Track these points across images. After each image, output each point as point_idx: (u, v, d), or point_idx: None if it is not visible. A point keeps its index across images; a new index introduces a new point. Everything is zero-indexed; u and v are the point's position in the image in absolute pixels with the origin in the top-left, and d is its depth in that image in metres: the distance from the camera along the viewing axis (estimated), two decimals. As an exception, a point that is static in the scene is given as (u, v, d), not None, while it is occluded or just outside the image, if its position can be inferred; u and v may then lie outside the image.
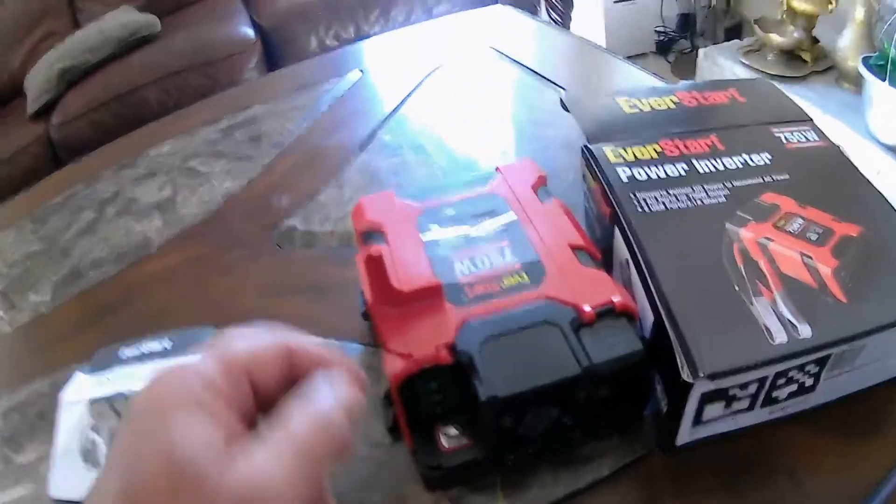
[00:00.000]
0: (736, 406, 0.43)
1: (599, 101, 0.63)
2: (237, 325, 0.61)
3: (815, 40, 2.42)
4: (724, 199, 0.51)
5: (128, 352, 0.56)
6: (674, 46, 3.11)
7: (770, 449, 0.46)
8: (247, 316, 0.61)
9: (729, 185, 0.52)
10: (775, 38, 2.37)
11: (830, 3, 2.28)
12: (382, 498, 0.47)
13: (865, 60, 2.06)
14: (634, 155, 0.55)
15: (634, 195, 0.51)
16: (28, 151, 2.28)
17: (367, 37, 2.42)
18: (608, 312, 0.43)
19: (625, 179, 0.53)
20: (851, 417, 0.47)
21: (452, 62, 1.02)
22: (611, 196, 0.51)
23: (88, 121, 2.24)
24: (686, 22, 3.09)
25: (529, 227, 0.50)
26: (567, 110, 0.61)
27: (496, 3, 2.60)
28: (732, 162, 0.54)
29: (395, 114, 0.91)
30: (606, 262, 0.52)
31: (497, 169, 0.58)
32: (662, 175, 0.53)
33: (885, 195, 0.53)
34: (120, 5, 2.59)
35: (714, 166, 0.54)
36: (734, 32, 2.97)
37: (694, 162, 0.54)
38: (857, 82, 2.14)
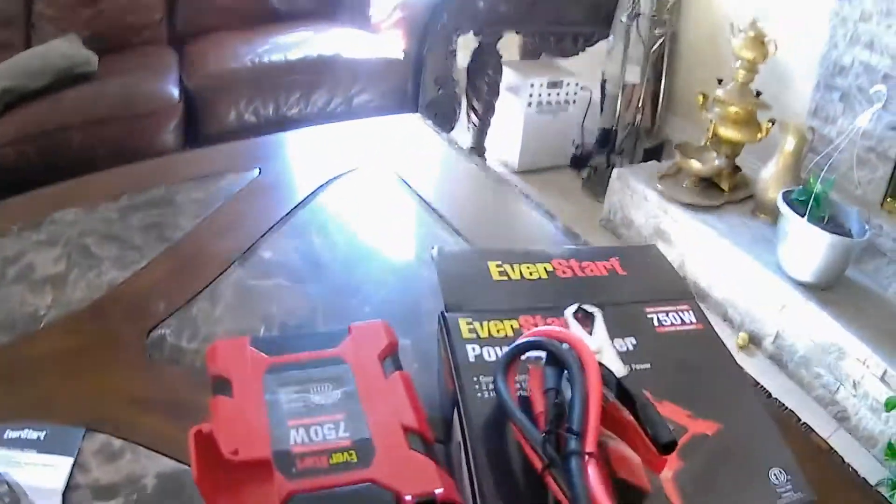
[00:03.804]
0: None
1: (469, 263, 0.64)
2: (105, 431, 0.62)
3: (737, 169, 2.46)
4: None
5: (11, 433, 0.59)
6: (591, 161, 3.01)
7: None
8: (113, 424, 0.63)
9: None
10: (694, 164, 2.39)
11: (760, 132, 2.32)
12: None
13: (786, 195, 2.09)
14: (489, 331, 0.55)
15: (478, 379, 0.51)
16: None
17: (286, 117, 2.46)
18: (429, 503, 0.44)
19: (471, 359, 0.53)
20: None
21: (350, 177, 1.04)
22: (454, 376, 0.52)
23: (15, 150, 2.20)
24: (606, 137, 3.04)
25: (367, 402, 0.51)
26: None
27: (412, 102, 2.67)
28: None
29: (278, 227, 0.92)
30: (450, 436, 0.53)
31: (349, 329, 0.58)
32: (512, 358, 0.53)
33: (754, 386, 0.54)
34: (69, 30, 2.59)
35: (571, 351, 0.54)
36: (655, 153, 2.99)
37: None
38: (775, 214, 2.17)
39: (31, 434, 0.60)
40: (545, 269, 0.63)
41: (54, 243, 0.87)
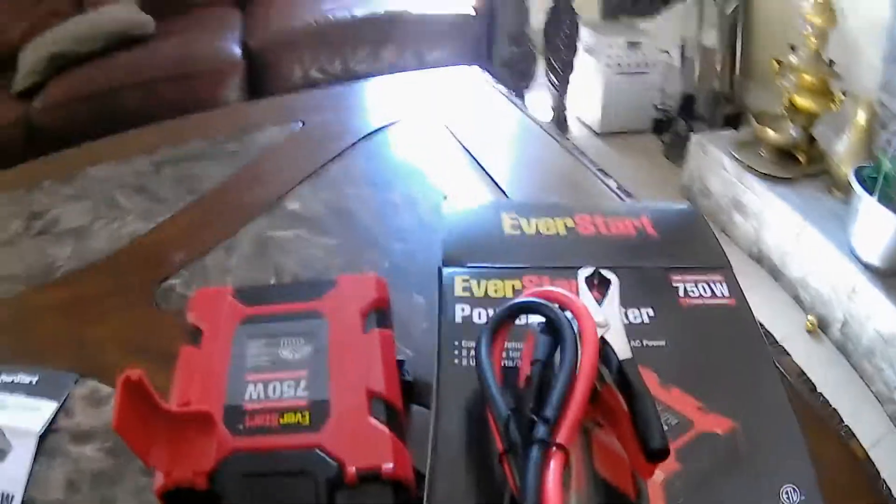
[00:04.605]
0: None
1: (479, 214, 0.58)
2: (97, 378, 0.62)
3: (813, 140, 2.34)
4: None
5: (5, 377, 0.61)
6: (672, 127, 2.88)
7: None
8: (107, 371, 0.62)
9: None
10: (771, 133, 2.30)
11: (833, 102, 2.19)
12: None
13: (858, 171, 1.97)
14: (486, 290, 0.49)
15: (459, 342, 0.46)
16: (6, 129, 2.26)
17: (354, 73, 2.40)
18: (373, 478, 0.40)
19: (458, 320, 0.47)
20: None
21: (395, 128, 0.99)
22: (438, 337, 0.47)
23: (68, 111, 2.24)
24: (688, 103, 2.93)
25: (336, 361, 0.46)
26: None
27: (487, 59, 2.62)
28: (604, 317, 0.47)
29: (310, 179, 0.89)
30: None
31: (337, 280, 0.53)
32: (503, 322, 0.47)
33: (783, 378, 0.45)
34: (126, -4, 2.59)
35: (573, 321, 0.47)
36: (734, 120, 2.86)
37: (548, 311, 0.48)
38: (848, 191, 2.05)
39: (24, 378, 0.61)
40: (565, 224, 0.56)
41: (83, 197, 0.87)
